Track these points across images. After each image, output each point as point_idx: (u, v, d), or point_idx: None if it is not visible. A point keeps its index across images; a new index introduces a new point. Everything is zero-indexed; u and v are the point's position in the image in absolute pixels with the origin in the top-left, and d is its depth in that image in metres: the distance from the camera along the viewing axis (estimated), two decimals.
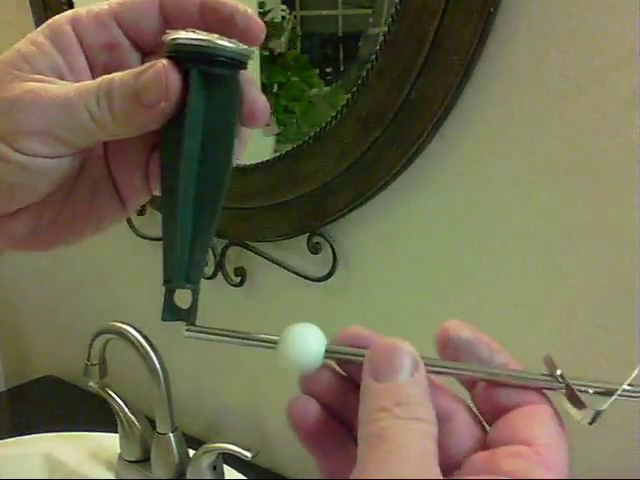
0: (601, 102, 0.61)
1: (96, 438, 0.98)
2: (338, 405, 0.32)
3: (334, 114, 0.76)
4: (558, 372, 0.30)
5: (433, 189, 0.73)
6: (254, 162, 0.85)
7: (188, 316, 0.35)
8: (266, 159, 0.85)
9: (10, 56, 0.33)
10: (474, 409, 0.32)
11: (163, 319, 0.34)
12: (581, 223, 0.64)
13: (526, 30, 0.63)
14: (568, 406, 0.30)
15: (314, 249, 0.82)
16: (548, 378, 0.30)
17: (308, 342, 0.31)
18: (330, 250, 0.81)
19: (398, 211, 0.76)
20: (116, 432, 0.89)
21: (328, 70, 0.90)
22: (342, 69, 0.88)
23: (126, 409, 0.87)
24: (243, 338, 0.33)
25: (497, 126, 0.67)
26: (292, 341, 0.31)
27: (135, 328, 0.82)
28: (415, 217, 0.75)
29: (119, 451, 0.89)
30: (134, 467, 0.88)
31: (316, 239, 0.82)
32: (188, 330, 0.34)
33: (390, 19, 0.68)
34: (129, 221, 1.03)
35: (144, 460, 0.87)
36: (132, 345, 0.82)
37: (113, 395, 0.88)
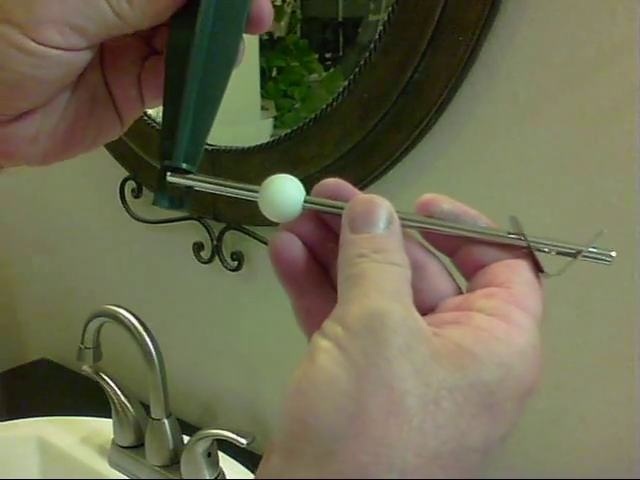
0: (611, 85, 0.59)
1: (89, 423, 0.97)
2: (317, 248, 0.34)
3: (335, 96, 0.74)
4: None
5: (435, 175, 0.72)
6: (253, 144, 0.84)
7: (181, 203, 0.35)
8: (265, 142, 0.83)
9: None
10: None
11: (154, 203, 0.34)
12: (585, 208, 0.63)
13: (534, 10, 0.61)
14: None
15: None
16: (512, 235, 0.31)
17: (287, 191, 0.32)
18: None
19: (398, 197, 0.75)
20: (109, 417, 0.88)
21: (327, 55, 0.89)
22: (341, 54, 0.87)
23: (120, 394, 0.86)
24: (226, 186, 0.34)
25: (503, 110, 0.65)
26: (272, 189, 0.32)
27: (130, 311, 0.81)
28: (416, 202, 0.74)
29: (112, 436, 0.88)
30: (127, 453, 0.87)
31: None
32: (172, 176, 0.34)
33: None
34: (125, 204, 1.02)
35: (137, 446, 0.86)
36: (127, 328, 0.81)
37: (107, 379, 0.87)
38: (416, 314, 0.28)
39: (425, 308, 0.32)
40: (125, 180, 1.01)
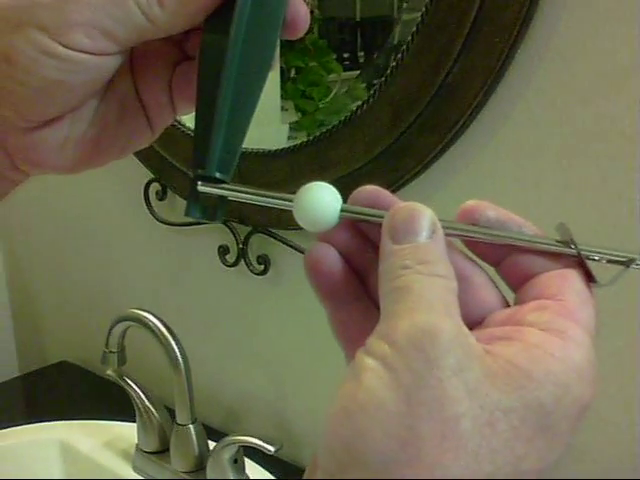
0: None
1: (113, 427, 0.96)
2: (354, 258, 0.33)
3: (365, 98, 0.73)
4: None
5: (467, 179, 0.70)
6: (280, 147, 0.83)
7: (214, 214, 0.33)
8: (291, 145, 0.82)
9: None
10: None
11: (186, 214, 0.33)
12: (620, 216, 0.61)
13: (573, 11, 0.60)
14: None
15: None
16: (561, 244, 0.30)
17: (324, 199, 0.31)
18: None
19: (429, 202, 0.73)
20: (134, 422, 0.88)
21: (346, 56, 0.88)
22: (361, 55, 0.87)
23: (144, 398, 0.86)
24: (260, 195, 0.32)
25: (539, 113, 0.64)
26: (308, 198, 0.31)
27: (155, 315, 0.81)
28: (447, 208, 0.72)
29: (136, 441, 0.88)
30: (152, 458, 0.86)
31: None
32: (203, 185, 0.32)
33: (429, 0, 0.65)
34: (149, 206, 1.01)
35: (162, 451, 0.86)
36: (152, 333, 0.80)
37: (131, 384, 0.86)
38: (467, 330, 0.27)
39: (471, 322, 0.30)
40: (149, 182, 1.00)
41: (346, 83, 0.86)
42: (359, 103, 0.74)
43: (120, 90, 0.37)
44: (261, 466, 0.85)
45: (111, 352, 0.84)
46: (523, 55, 0.63)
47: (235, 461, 0.78)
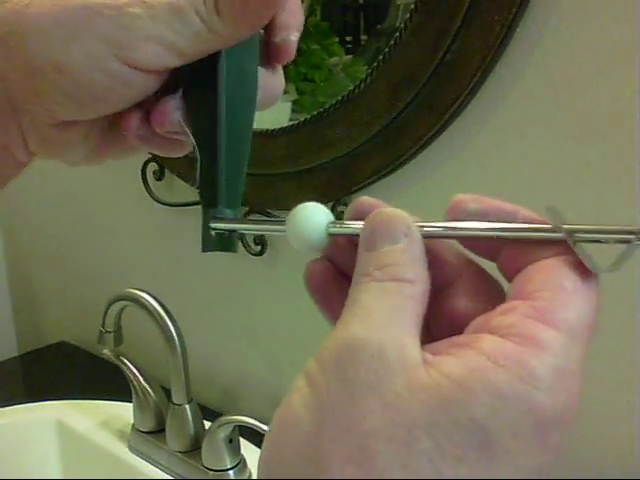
0: None
1: (109, 407, 0.96)
2: (349, 270, 0.31)
3: (363, 77, 0.72)
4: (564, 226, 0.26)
5: (465, 159, 0.70)
6: (277, 127, 0.82)
7: (230, 244, 0.35)
8: (290, 124, 0.82)
9: None
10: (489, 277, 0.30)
11: (204, 250, 0.35)
12: (620, 196, 0.61)
13: None
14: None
15: (338, 218, 0.78)
16: (550, 229, 0.27)
17: (310, 220, 0.31)
18: None
19: (427, 181, 0.73)
20: (130, 401, 0.87)
21: (348, 39, 0.87)
22: (363, 38, 0.86)
23: (141, 378, 0.85)
24: (260, 223, 0.37)
25: (537, 93, 0.63)
26: (296, 221, 0.31)
27: (151, 295, 0.80)
28: (446, 188, 0.72)
29: (132, 421, 0.88)
30: (147, 438, 0.86)
31: (340, 208, 0.79)
32: (214, 221, 0.35)
33: None
34: (147, 186, 1.01)
35: (158, 431, 0.85)
36: (148, 312, 0.79)
37: (128, 363, 0.86)
38: (405, 339, 0.24)
39: (457, 329, 0.27)
40: (147, 162, 1.00)
41: (347, 66, 0.85)
42: (356, 83, 0.73)
43: None
44: (257, 446, 0.85)
45: (107, 332, 0.83)
46: (522, 34, 0.62)
47: (230, 441, 0.77)
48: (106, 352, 0.87)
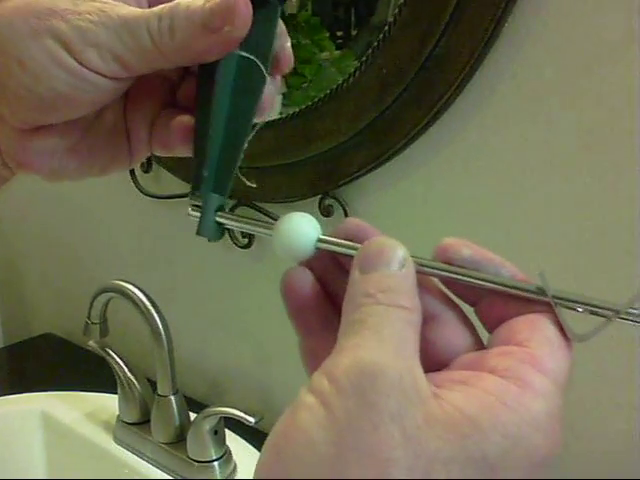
0: None
1: (94, 398, 0.96)
2: (332, 287, 0.33)
3: (352, 71, 0.72)
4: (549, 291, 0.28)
5: (453, 153, 0.70)
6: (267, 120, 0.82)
7: (221, 235, 0.36)
8: (278, 117, 0.82)
9: None
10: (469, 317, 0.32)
11: (200, 234, 0.36)
12: (610, 190, 0.61)
13: None
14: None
15: (326, 211, 0.79)
16: (537, 290, 0.29)
17: (300, 230, 0.31)
18: (342, 213, 0.78)
19: (415, 175, 0.73)
20: (115, 393, 0.87)
21: (339, 34, 0.87)
22: (354, 33, 0.86)
23: (126, 370, 0.85)
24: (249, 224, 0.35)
25: (527, 87, 0.64)
26: (284, 229, 0.32)
27: (137, 287, 0.80)
28: (433, 182, 0.72)
29: (117, 412, 0.88)
30: (133, 429, 0.86)
31: (328, 201, 0.79)
32: (219, 216, 0.35)
33: None
34: (134, 178, 1.00)
35: (143, 422, 0.85)
36: (134, 304, 0.79)
37: (113, 355, 0.86)
38: (416, 370, 0.25)
39: (438, 363, 0.29)
40: None
41: (338, 61, 0.85)
42: (346, 77, 0.73)
43: (113, 113, 0.38)
44: (242, 437, 0.85)
45: (93, 323, 0.83)
46: (510, 29, 0.62)
47: (215, 432, 0.78)
48: (92, 344, 0.87)
